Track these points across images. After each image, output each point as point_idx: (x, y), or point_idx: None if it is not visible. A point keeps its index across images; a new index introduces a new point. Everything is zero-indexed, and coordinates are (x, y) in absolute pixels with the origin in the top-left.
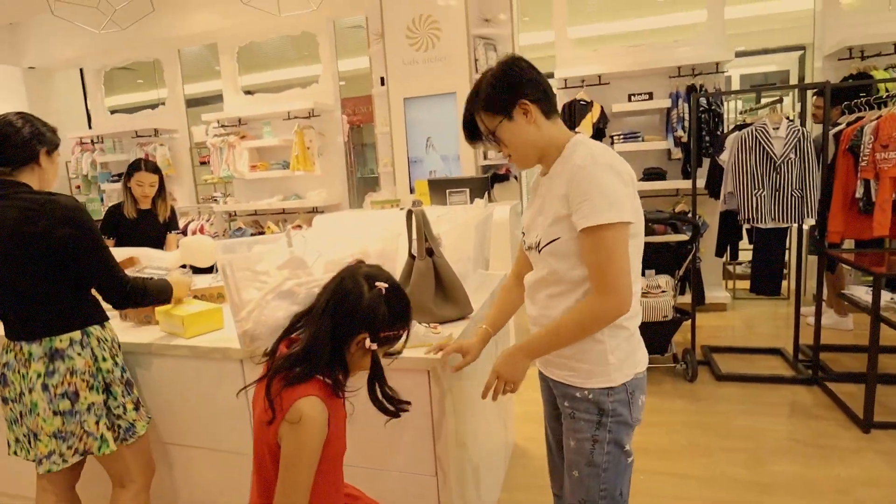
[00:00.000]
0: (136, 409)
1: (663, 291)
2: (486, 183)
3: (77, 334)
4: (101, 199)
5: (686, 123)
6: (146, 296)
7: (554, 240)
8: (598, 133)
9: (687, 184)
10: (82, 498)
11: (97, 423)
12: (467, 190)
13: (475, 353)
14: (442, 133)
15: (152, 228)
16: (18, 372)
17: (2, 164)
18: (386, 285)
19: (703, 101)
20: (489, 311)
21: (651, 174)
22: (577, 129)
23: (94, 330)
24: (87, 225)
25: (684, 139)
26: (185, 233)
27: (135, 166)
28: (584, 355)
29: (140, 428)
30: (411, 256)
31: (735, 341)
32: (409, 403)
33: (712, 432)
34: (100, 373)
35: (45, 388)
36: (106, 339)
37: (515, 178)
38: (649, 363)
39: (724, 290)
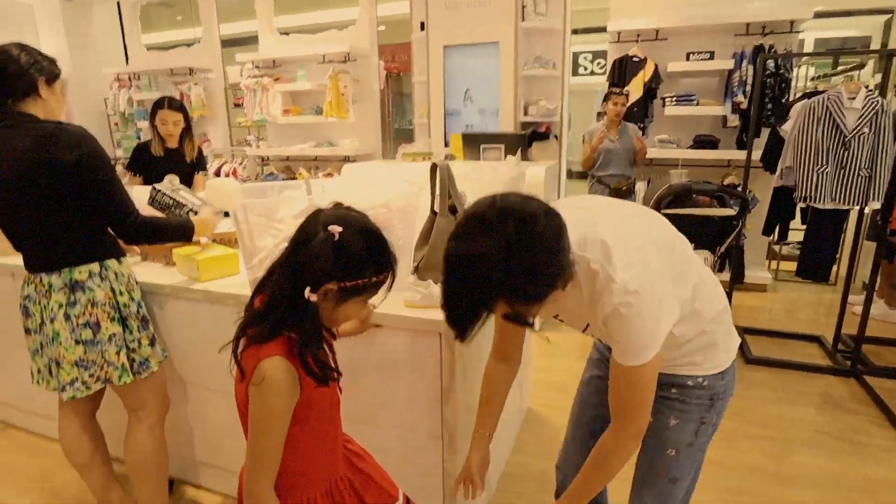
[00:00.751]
0: (152, 345)
1: None
2: (523, 140)
3: (95, 266)
4: (138, 137)
5: (748, 88)
6: (158, 233)
7: None
8: (649, 94)
9: (740, 155)
10: (103, 427)
11: (118, 353)
12: (502, 146)
13: (486, 464)
14: (482, 85)
15: (179, 168)
16: (39, 303)
17: (2, 94)
18: (339, 229)
19: (770, 63)
20: (478, 409)
21: (702, 142)
22: (626, 88)
23: (112, 264)
24: (96, 151)
25: (744, 105)
26: (218, 174)
27: (158, 104)
28: (697, 351)
29: (153, 364)
30: (433, 213)
31: (772, 324)
32: (337, 373)
33: (737, 417)
34: (117, 306)
35: (67, 317)
36: (123, 274)
37: (556, 137)
38: None
39: (766, 271)
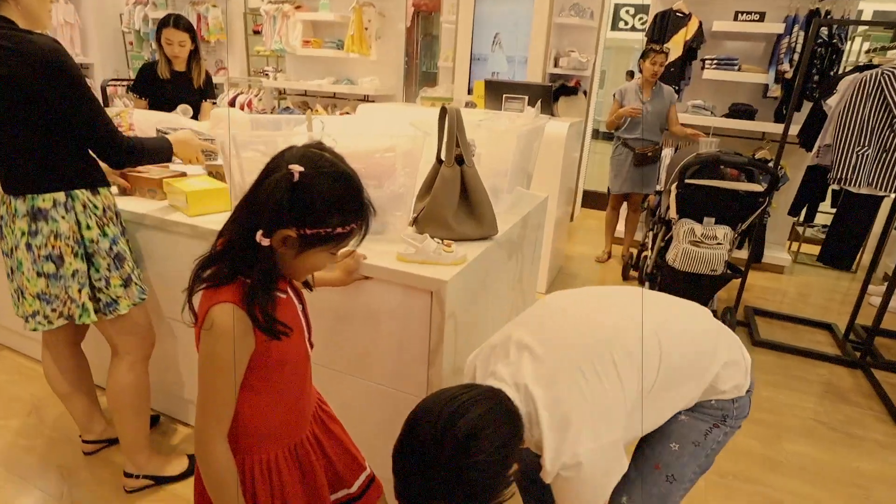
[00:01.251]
0: (126, 286)
1: (718, 244)
2: (549, 93)
3: (61, 196)
4: (153, 58)
5: (795, 56)
6: (137, 152)
7: None
8: (690, 53)
9: (777, 128)
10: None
11: (80, 290)
12: (525, 97)
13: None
14: (512, 31)
15: (186, 93)
16: (9, 227)
17: None
18: (300, 169)
19: (824, 31)
20: None
21: (738, 111)
22: (666, 46)
23: (80, 194)
24: (69, 72)
25: (788, 75)
26: (233, 105)
27: (164, 22)
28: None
29: (123, 307)
30: (438, 161)
31: (783, 307)
32: (289, 328)
33: None
34: (82, 241)
35: (28, 247)
36: (95, 207)
37: (585, 93)
38: None
39: (786, 252)
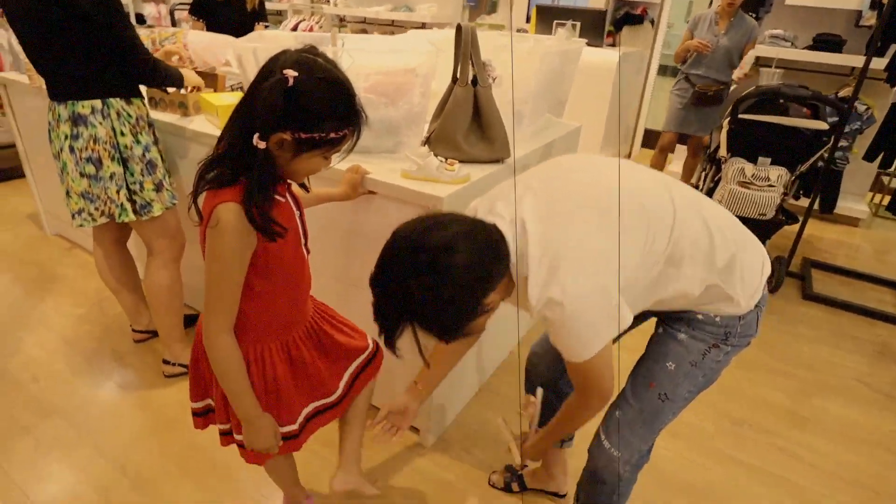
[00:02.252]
0: (157, 190)
1: (770, 185)
2: (601, 19)
3: (98, 103)
4: None
5: None
6: (163, 74)
7: None
8: None
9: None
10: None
11: (118, 191)
12: (578, 24)
13: (410, 415)
14: None
15: (239, 15)
16: (55, 131)
17: None
18: (294, 74)
19: None
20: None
21: (822, 42)
22: None
23: (116, 102)
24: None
25: None
26: (295, 31)
27: None
28: (706, 303)
29: (156, 209)
30: (453, 81)
31: (850, 263)
32: (284, 229)
33: (766, 350)
34: (118, 146)
35: (71, 150)
36: (129, 116)
37: (652, 22)
38: None
39: (865, 204)
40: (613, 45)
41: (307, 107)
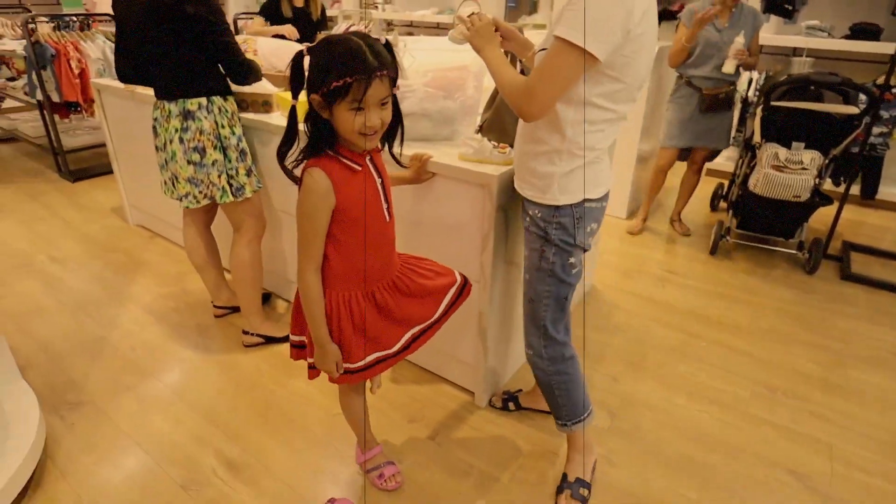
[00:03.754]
0: (248, 175)
1: (804, 168)
2: None
3: (204, 100)
4: None
5: None
6: (252, 72)
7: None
8: None
9: None
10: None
11: (219, 176)
12: None
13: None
14: None
15: (306, 27)
16: (163, 126)
17: None
18: (306, 45)
19: None
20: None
21: (859, 31)
22: None
23: (217, 100)
24: (214, 5)
25: None
26: None
27: None
28: (538, 175)
29: (248, 191)
30: None
31: (893, 248)
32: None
33: (802, 324)
34: (219, 136)
35: (181, 141)
36: (226, 110)
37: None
38: (769, 244)
39: None
40: None
41: (314, 68)
